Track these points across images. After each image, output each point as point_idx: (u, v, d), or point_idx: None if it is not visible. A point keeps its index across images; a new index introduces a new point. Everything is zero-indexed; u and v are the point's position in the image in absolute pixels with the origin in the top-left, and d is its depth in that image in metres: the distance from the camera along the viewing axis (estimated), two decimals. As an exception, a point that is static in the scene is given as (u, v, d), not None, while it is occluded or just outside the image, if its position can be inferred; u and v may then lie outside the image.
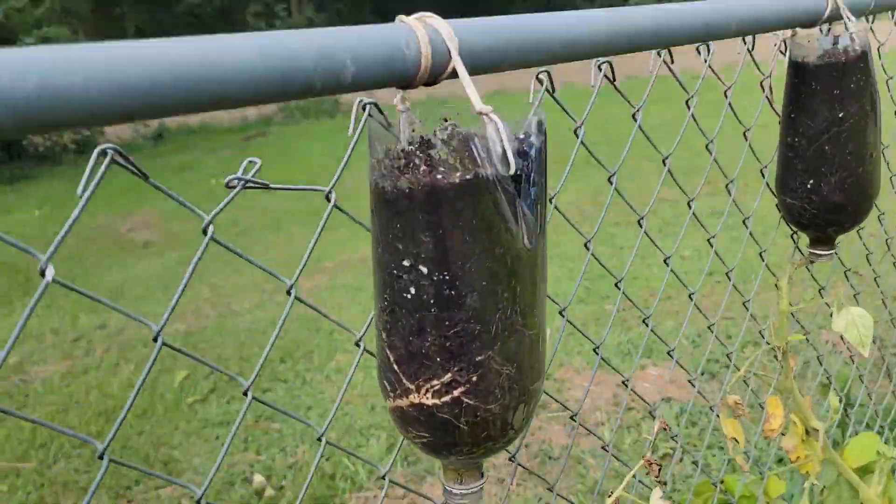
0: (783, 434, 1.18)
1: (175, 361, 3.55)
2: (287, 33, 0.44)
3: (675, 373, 2.80)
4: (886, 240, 1.50)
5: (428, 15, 0.51)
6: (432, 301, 0.50)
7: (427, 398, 0.52)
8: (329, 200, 0.59)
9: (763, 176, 1.14)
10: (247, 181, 0.52)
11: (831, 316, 1.14)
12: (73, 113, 0.37)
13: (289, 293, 0.61)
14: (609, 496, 0.72)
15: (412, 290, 0.50)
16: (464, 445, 0.54)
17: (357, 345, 0.72)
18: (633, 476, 0.81)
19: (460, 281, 0.49)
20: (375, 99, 0.57)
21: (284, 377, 3.20)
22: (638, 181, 4.03)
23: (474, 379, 0.51)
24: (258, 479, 2.47)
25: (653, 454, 2.32)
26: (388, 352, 0.53)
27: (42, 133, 0.38)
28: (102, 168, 0.45)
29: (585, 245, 0.91)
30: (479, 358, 0.51)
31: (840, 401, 1.66)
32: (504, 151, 0.49)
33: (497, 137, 0.49)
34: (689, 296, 1.06)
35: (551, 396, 0.93)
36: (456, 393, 0.51)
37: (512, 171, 0.49)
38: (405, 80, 0.50)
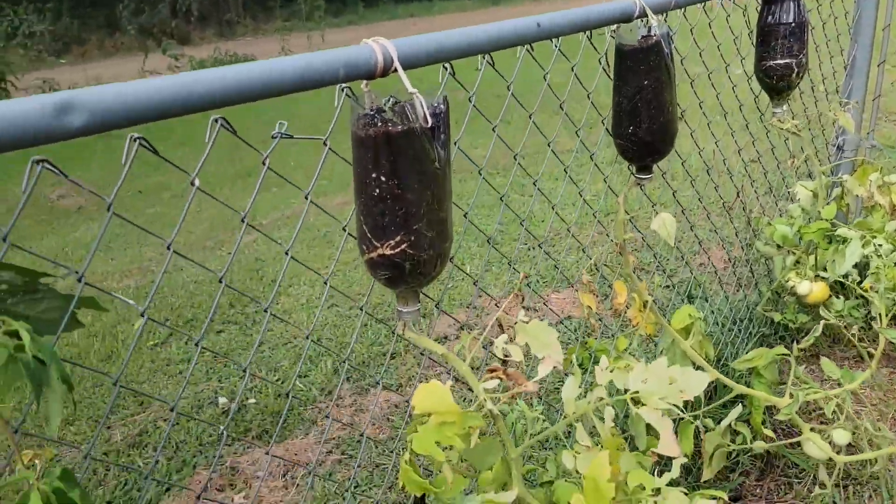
0: (627, 307, 1.67)
1: (128, 311, 3.85)
2: (315, 56, 0.85)
3: (575, 295, 3.32)
4: (707, 170, 2.02)
5: (381, 39, 0.93)
6: (387, 196, 0.93)
7: (387, 251, 0.95)
8: (326, 145, 1.01)
9: (603, 125, 1.61)
10: (282, 134, 0.93)
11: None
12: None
13: (306, 196, 1.03)
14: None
15: (377, 191, 0.93)
16: (408, 278, 0.98)
17: (325, 283, 1.10)
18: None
19: (403, 185, 0.92)
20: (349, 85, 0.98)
21: (235, 319, 3.58)
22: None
23: (412, 239, 0.95)
24: (223, 400, 2.86)
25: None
26: (364, 227, 0.96)
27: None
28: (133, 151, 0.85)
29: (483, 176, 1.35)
30: (415, 227, 0.95)
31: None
32: (425, 114, 0.92)
33: (420, 107, 0.91)
34: (555, 209, 1.50)
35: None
36: (403, 247, 0.95)
37: (429, 126, 0.92)
38: (369, 74, 0.92)
